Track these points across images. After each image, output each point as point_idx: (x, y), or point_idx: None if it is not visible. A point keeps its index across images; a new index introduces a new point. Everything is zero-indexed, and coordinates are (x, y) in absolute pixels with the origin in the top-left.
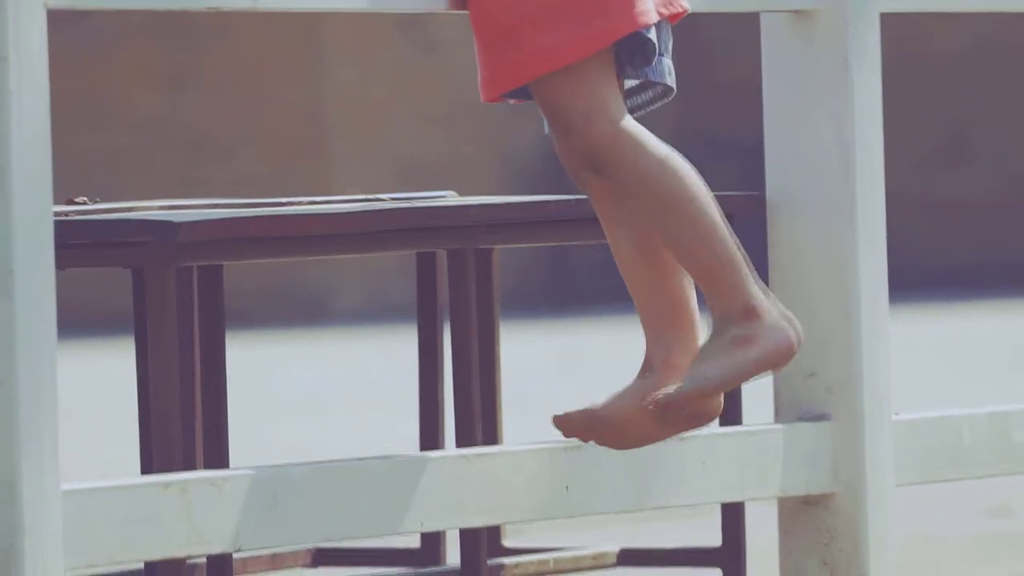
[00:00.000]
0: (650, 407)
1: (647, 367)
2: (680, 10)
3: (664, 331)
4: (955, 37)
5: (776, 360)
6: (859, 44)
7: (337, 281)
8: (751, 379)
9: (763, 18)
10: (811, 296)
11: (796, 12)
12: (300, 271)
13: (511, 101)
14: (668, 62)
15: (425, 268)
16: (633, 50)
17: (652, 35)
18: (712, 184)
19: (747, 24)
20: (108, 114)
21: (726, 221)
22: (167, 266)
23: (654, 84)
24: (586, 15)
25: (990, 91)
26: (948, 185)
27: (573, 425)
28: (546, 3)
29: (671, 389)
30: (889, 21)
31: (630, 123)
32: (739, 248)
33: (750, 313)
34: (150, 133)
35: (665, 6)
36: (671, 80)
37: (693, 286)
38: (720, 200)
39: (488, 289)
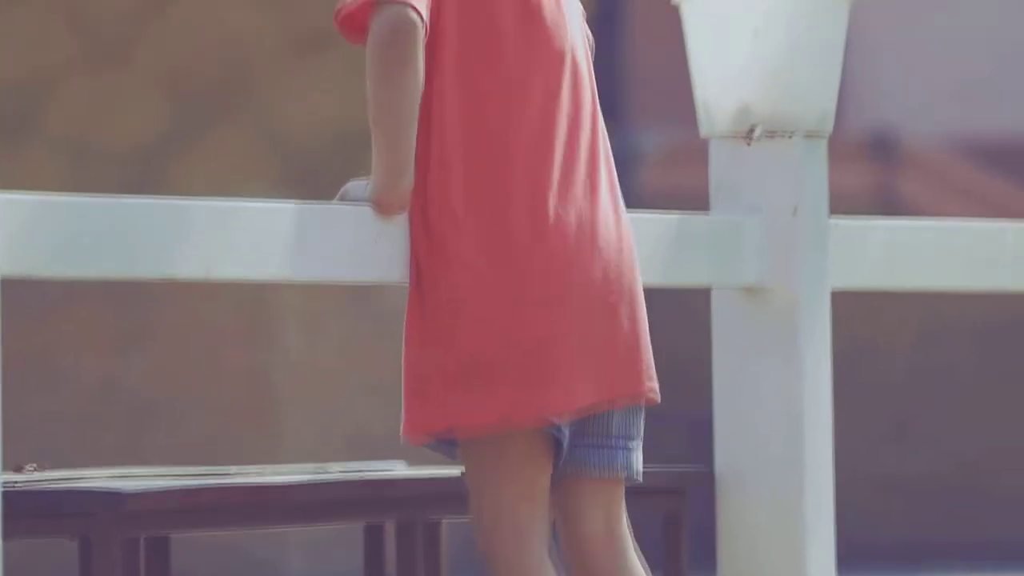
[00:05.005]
0: None
1: None
2: (642, 400)
3: None
4: (901, 321)
5: None
6: (810, 321)
7: (286, 546)
8: None
9: (714, 294)
10: (761, 570)
11: (747, 288)
12: (249, 533)
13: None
14: (631, 455)
15: (372, 540)
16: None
17: (563, 434)
18: (660, 457)
19: (697, 299)
20: (56, 377)
21: None
22: (113, 537)
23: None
24: (504, 386)
25: (931, 372)
26: (891, 461)
27: None
28: (469, 360)
29: None
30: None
31: (527, 539)
32: None
33: None
34: (98, 396)
35: (631, 398)
36: (633, 471)
37: None
38: (668, 475)
39: (435, 562)
